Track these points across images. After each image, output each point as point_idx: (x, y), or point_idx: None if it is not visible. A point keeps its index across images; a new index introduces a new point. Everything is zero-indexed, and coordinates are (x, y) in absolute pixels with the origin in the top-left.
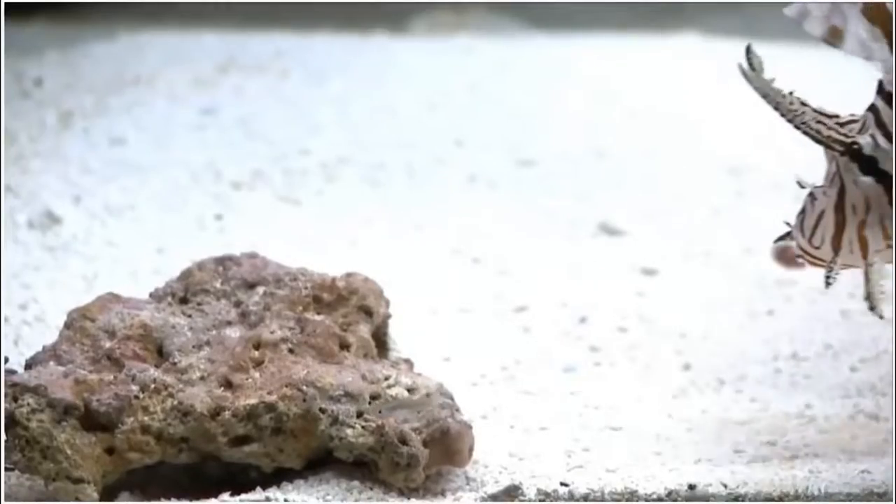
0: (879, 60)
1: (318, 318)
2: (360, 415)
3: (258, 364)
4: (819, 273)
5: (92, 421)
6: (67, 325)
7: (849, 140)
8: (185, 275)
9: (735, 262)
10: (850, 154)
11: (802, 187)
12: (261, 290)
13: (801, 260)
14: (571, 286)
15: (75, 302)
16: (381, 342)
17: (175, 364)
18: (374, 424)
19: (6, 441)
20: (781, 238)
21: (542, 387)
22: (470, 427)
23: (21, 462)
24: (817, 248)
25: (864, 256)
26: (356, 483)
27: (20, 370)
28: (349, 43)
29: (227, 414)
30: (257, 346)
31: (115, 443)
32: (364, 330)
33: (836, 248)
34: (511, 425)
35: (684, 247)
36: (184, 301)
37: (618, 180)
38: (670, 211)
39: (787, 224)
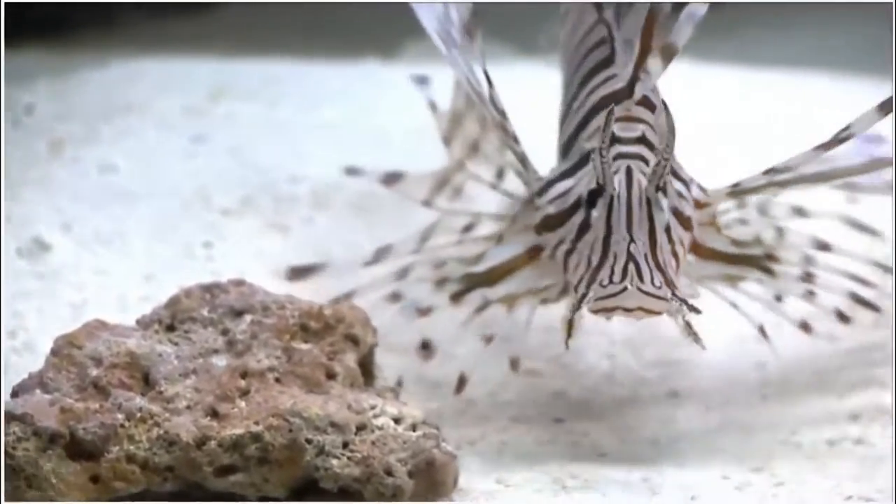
0: None
1: (305, 346)
2: (345, 445)
3: (245, 393)
4: None
5: (78, 449)
6: (54, 353)
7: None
8: (173, 302)
9: None
10: (662, 189)
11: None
12: (248, 318)
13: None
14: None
15: (64, 329)
16: (367, 371)
17: (161, 393)
18: (359, 455)
19: None
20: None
21: (531, 415)
22: (455, 457)
23: (7, 490)
24: (658, 287)
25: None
26: None
27: (6, 398)
28: (341, 70)
29: (212, 443)
30: (244, 376)
31: (101, 471)
32: (350, 359)
33: (672, 284)
34: (499, 451)
35: None
36: (171, 328)
37: None
38: None
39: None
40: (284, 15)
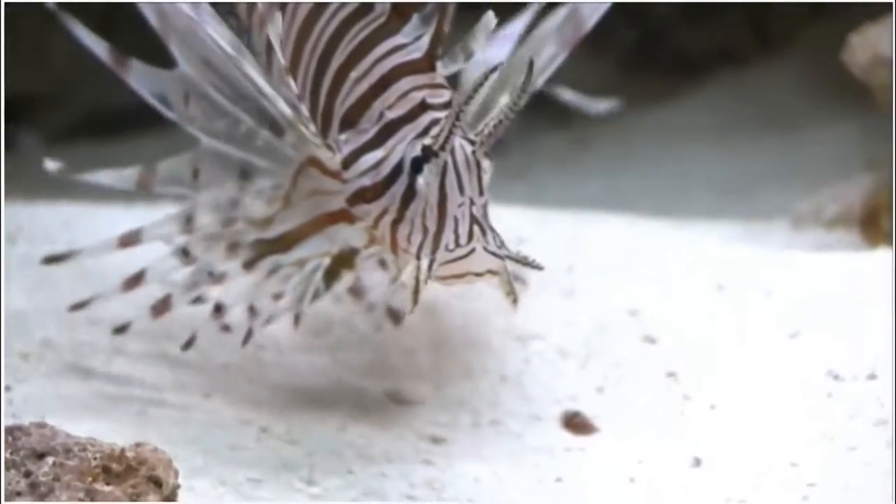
0: None
1: (107, 489)
2: None
3: None
4: (609, 440)
5: None
6: None
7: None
8: None
9: (523, 430)
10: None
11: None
12: (50, 460)
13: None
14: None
15: None
16: None
17: None
18: None
19: None
20: None
21: None
22: None
23: None
24: (500, 247)
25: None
26: None
27: None
28: (135, 211)
29: None
30: None
31: None
32: (153, 500)
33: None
34: None
35: (472, 415)
36: None
37: (407, 347)
38: (457, 378)
39: (448, 249)
40: (75, 157)
